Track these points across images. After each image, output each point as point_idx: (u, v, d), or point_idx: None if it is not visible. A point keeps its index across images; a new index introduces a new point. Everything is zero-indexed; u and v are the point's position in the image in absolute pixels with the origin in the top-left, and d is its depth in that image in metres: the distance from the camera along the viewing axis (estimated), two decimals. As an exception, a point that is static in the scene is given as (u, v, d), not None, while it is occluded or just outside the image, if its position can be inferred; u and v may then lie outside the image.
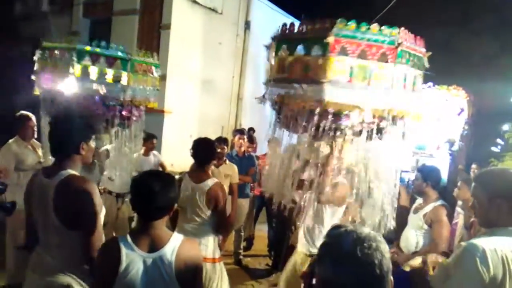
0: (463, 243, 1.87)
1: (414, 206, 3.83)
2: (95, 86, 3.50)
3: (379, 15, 7.72)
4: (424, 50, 2.76)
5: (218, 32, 9.69)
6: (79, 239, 2.07)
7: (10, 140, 4.26)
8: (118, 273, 1.82)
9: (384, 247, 1.19)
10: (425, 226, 3.56)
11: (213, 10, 9.55)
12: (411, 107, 2.75)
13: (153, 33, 8.79)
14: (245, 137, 5.76)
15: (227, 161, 4.93)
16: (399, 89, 2.60)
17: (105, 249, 1.95)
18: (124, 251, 1.84)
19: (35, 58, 3.75)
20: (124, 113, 3.67)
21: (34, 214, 2.22)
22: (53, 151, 2.24)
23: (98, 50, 3.56)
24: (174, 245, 1.90)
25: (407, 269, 3.32)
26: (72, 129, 2.23)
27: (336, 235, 1.22)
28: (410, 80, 2.68)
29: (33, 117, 4.31)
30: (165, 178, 1.98)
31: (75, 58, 3.45)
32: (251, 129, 7.90)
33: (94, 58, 3.53)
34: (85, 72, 3.47)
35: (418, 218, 3.63)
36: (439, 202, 3.60)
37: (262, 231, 6.24)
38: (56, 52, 3.60)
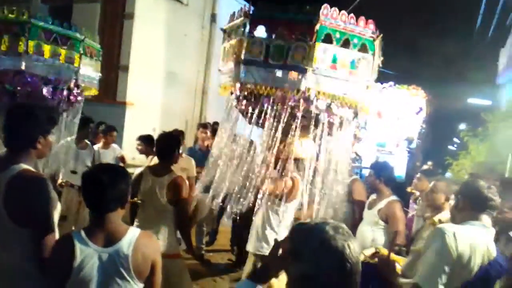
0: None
1: (368, 201, 3.93)
2: (48, 66, 3.31)
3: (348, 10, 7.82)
4: (369, 32, 2.72)
5: (183, 24, 9.54)
6: (31, 237, 1.96)
7: None
8: (72, 269, 1.76)
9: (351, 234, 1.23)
10: (381, 222, 3.65)
11: (179, 1, 9.39)
12: (348, 91, 2.73)
13: (115, 23, 8.53)
14: (208, 131, 5.70)
15: (183, 155, 4.86)
16: (324, 70, 2.62)
17: (58, 245, 1.88)
18: (78, 246, 1.79)
19: None
20: (71, 98, 3.51)
21: None
22: (6, 142, 2.07)
23: (52, 27, 3.37)
24: (130, 239, 1.85)
25: (362, 258, 3.40)
26: (31, 121, 2.05)
27: (307, 229, 1.22)
28: (344, 61, 2.66)
29: None
30: (114, 170, 1.94)
31: (27, 34, 3.23)
32: (216, 123, 7.83)
33: (48, 36, 3.35)
34: (37, 50, 3.26)
35: (373, 214, 3.71)
36: (392, 197, 3.69)
37: (226, 226, 6.21)
38: (3, 25, 3.34)
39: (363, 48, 2.74)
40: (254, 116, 2.80)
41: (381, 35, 2.78)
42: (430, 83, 9.59)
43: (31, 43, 3.25)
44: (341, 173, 2.89)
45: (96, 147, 5.17)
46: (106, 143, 5.33)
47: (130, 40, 8.33)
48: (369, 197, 4.02)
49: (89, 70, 3.69)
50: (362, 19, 2.71)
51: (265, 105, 2.73)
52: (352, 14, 2.70)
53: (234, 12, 3.02)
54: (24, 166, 1.99)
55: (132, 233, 1.88)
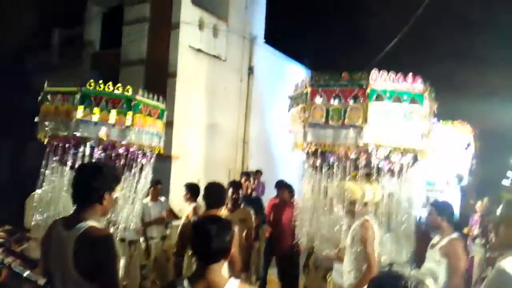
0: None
1: (431, 242, 3.81)
2: (98, 129, 3.56)
3: (379, 57, 7.92)
4: (418, 87, 2.99)
5: (223, 78, 9.93)
6: None
7: (38, 190, 4.33)
8: None
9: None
10: (443, 260, 3.52)
11: (217, 57, 9.84)
12: (407, 141, 3.01)
13: (159, 82, 9.01)
14: (251, 179, 5.79)
15: (242, 205, 4.88)
16: (378, 125, 2.97)
17: None
18: None
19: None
20: (130, 156, 3.71)
21: (51, 266, 2.15)
22: (74, 199, 2.20)
23: (101, 90, 3.66)
24: None
25: None
26: (98, 177, 2.18)
27: (395, 279, 1.28)
28: (397, 115, 2.92)
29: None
30: (221, 223, 2.03)
31: (78, 101, 3.53)
32: (258, 171, 7.92)
33: (98, 100, 3.61)
34: (88, 115, 3.56)
35: (435, 252, 3.59)
36: (455, 235, 3.57)
37: (274, 274, 6.09)
38: (59, 96, 3.67)
39: (414, 101, 2.96)
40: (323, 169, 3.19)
41: (427, 86, 3.04)
42: (475, 116, 9.28)
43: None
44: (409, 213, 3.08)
45: (145, 200, 5.33)
46: (154, 196, 5.49)
47: (173, 97, 8.70)
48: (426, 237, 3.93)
49: (146, 128, 3.92)
50: (409, 77, 3.07)
51: (331, 159, 3.12)
52: (400, 74, 3.08)
53: (297, 83, 3.50)
54: (91, 223, 2.10)
55: (232, 285, 1.95)
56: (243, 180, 5.71)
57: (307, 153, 3.32)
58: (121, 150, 3.63)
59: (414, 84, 3.05)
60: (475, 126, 8.35)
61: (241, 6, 10.58)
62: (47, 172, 3.72)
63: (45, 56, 11.76)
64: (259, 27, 11.16)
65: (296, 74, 11.58)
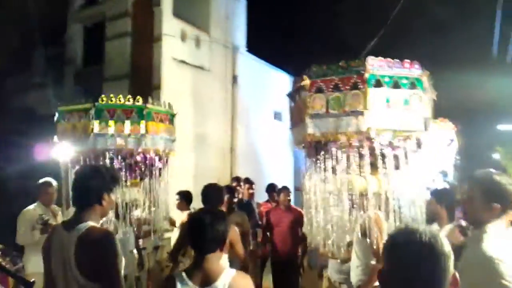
0: None
1: None
2: (114, 140, 3.68)
3: (367, 48, 8.09)
4: (416, 72, 3.01)
5: (207, 88, 10.00)
6: None
7: (31, 206, 4.42)
8: None
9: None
10: None
11: (201, 68, 9.91)
12: (408, 125, 3.03)
13: (144, 95, 9.03)
14: (242, 183, 5.85)
15: (236, 210, 4.93)
16: (379, 110, 2.98)
17: (163, 285, 2.08)
18: (179, 286, 1.95)
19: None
20: (148, 162, 3.81)
21: (53, 270, 2.17)
22: (74, 200, 2.24)
23: (113, 102, 3.76)
24: (225, 280, 1.97)
25: None
26: (96, 178, 2.22)
27: (409, 234, 1.27)
28: (397, 100, 2.94)
29: (54, 183, 4.51)
30: (215, 214, 2.13)
31: (93, 116, 3.65)
32: (247, 179, 7.95)
33: (112, 112, 3.70)
34: (104, 128, 3.74)
35: None
36: (454, 224, 3.52)
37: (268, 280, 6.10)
38: (75, 114, 3.89)
39: (413, 86, 2.99)
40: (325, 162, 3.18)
41: (425, 71, 3.06)
42: (456, 114, 9.48)
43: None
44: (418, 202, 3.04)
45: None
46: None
47: (159, 109, 8.73)
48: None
49: (159, 134, 4.13)
50: (406, 62, 3.11)
51: (334, 150, 3.11)
52: (396, 59, 3.12)
53: (295, 78, 3.53)
54: (91, 223, 2.13)
55: (228, 274, 2.00)
56: (234, 184, 5.77)
57: (309, 147, 3.29)
58: (139, 158, 3.75)
59: (412, 69, 3.04)
60: (457, 123, 8.53)
61: (221, 16, 10.69)
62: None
63: (26, 77, 11.68)
64: (240, 36, 11.28)
65: (280, 81, 11.72)
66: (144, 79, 9.10)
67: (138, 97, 3.91)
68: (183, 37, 9.40)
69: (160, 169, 3.97)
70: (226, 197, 4.41)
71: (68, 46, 11.01)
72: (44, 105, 8.78)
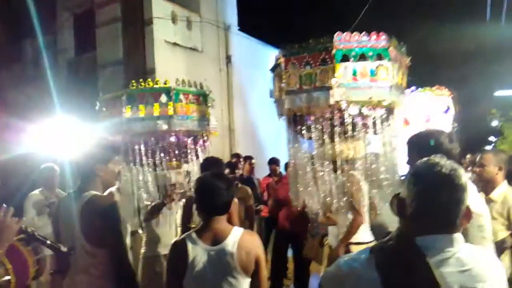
0: None
1: None
2: (145, 123, 3.87)
3: (354, 24, 8.06)
4: (382, 43, 3.12)
5: (201, 69, 9.95)
6: (108, 258, 2.13)
7: (35, 191, 4.52)
8: (187, 265, 2.01)
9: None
10: None
11: (194, 49, 9.85)
12: (375, 94, 3.19)
13: (138, 80, 9.01)
14: (242, 159, 5.93)
15: (239, 185, 4.98)
16: (347, 83, 3.14)
17: (174, 247, 2.14)
18: (190, 245, 2.04)
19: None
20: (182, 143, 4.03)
21: (61, 238, 2.28)
22: (77, 174, 2.37)
23: (142, 87, 4.00)
24: (234, 238, 2.07)
25: None
26: (86, 154, 2.33)
27: (431, 165, 1.34)
28: (363, 72, 3.15)
29: (56, 168, 4.61)
30: (225, 177, 2.23)
31: (125, 102, 3.88)
32: (248, 157, 8.02)
33: (141, 97, 3.86)
34: (135, 113, 3.88)
35: None
36: None
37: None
38: (110, 102, 4.11)
39: (380, 57, 3.05)
40: (304, 132, 3.39)
41: (393, 40, 3.11)
42: (454, 81, 9.50)
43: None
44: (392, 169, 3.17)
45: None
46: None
47: (154, 94, 8.73)
48: None
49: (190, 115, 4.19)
50: (373, 34, 3.24)
51: (309, 122, 3.30)
52: (364, 32, 3.24)
53: (275, 56, 3.65)
54: (94, 192, 2.21)
55: (236, 232, 2.10)
56: (234, 161, 5.85)
57: (288, 121, 3.47)
58: (172, 139, 3.83)
59: (379, 41, 3.15)
60: (453, 90, 8.54)
61: (211, -4, 10.57)
62: None
63: (18, 70, 11.60)
64: (232, 15, 11.17)
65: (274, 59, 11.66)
66: (137, 64, 9.05)
67: (166, 79, 3.99)
68: (174, 19, 9.31)
69: (196, 150, 4.05)
70: (227, 173, 4.47)
71: (59, 35, 10.90)
72: (39, 96, 8.77)
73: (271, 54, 12.55)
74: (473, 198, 1.98)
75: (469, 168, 4.40)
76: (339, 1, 10.56)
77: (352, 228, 3.30)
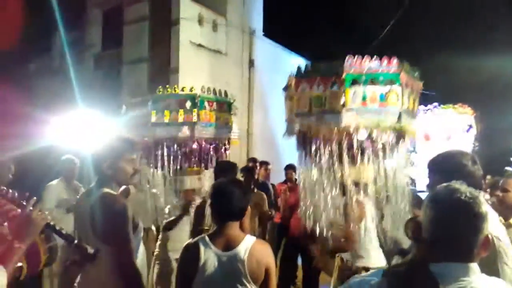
0: None
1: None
2: (170, 129, 3.93)
3: (375, 42, 8.02)
4: (393, 68, 3.09)
5: (224, 72, 10.03)
6: (114, 254, 2.16)
7: (54, 181, 4.65)
8: (198, 268, 2.03)
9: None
10: None
11: (218, 51, 9.94)
12: (384, 120, 3.16)
13: (162, 78, 9.15)
14: (258, 165, 5.94)
15: (255, 190, 4.99)
16: (356, 108, 3.12)
17: (186, 249, 2.16)
18: (202, 248, 2.06)
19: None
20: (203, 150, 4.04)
21: (79, 235, 2.34)
22: (94, 171, 2.41)
23: (168, 93, 4.02)
24: (246, 246, 2.08)
25: None
26: (98, 152, 2.38)
27: (450, 191, 1.33)
28: (373, 97, 3.13)
29: (76, 160, 4.72)
30: (240, 184, 2.26)
31: (151, 107, 3.94)
32: (264, 162, 8.03)
33: (167, 103, 3.95)
34: (160, 118, 3.94)
35: None
36: None
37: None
38: (137, 105, 4.13)
39: (392, 82, 3.04)
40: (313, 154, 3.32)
41: (405, 65, 3.09)
42: (477, 100, 9.34)
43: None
44: (400, 192, 3.11)
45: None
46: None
47: (176, 93, 8.84)
48: None
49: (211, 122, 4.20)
50: (385, 59, 3.20)
51: (317, 143, 3.25)
52: (376, 56, 3.20)
53: (288, 77, 3.63)
54: (106, 190, 2.25)
55: (249, 240, 2.11)
56: (250, 165, 5.85)
57: (298, 141, 3.47)
58: (194, 146, 3.90)
59: (390, 65, 3.13)
60: (477, 109, 8.41)
61: (238, 0, 10.65)
62: None
63: (47, 60, 11.88)
64: (257, 20, 11.24)
65: (296, 65, 11.67)
66: (162, 63, 9.19)
67: (192, 86, 4.04)
68: (200, 21, 9.42)
69: (217, 157, 4.11)
70: (243, 177, 4.49)
71: (87, 31, 11.14)
72: (64, 89, 8.96)
73: (294, 61, 12.60)
74: (492, 224, 1.95)
75: (488, 190, 4.31)
76: (367, 16, 10.50)
77: (341, 245, 3.32)
